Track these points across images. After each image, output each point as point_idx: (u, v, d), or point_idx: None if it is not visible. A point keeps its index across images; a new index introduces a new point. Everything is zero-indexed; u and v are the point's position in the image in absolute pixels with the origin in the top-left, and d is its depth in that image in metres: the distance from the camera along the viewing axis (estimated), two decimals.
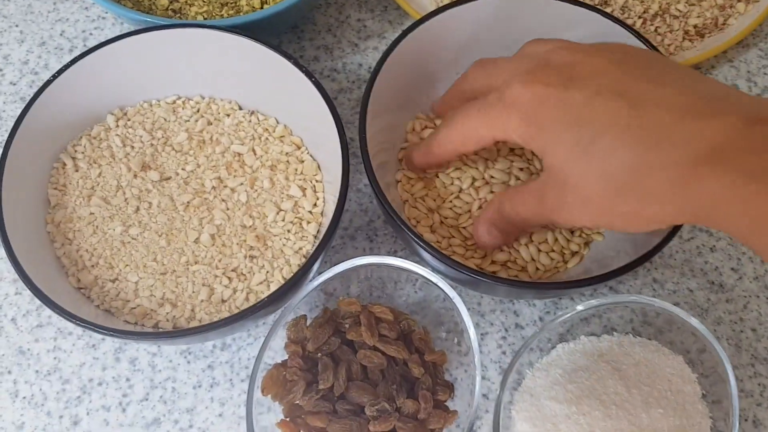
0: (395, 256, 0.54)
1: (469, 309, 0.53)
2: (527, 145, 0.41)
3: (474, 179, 0.51)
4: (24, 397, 0.50)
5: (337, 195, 0.45)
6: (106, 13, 0.65)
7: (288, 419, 0.46)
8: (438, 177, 0.52)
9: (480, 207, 0.51)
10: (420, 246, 0.45)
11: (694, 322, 0.47)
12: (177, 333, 0.42)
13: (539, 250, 0.49)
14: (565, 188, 0.39)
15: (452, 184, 0.51)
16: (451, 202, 0.51)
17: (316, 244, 0.45)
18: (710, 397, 0.48)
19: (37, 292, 0.43)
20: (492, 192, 0.51)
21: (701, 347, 0.48)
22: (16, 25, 0.64)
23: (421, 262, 0.49)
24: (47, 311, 0.52)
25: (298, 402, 0.47)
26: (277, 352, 0.49)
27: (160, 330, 0.46)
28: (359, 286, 0.52)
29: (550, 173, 0.40)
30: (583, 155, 0.37)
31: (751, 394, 0.51)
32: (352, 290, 0.52)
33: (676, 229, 0.45)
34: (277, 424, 0.46)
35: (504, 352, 0.52)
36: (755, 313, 0.54)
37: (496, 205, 0.46)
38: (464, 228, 0.51)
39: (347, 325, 0.49)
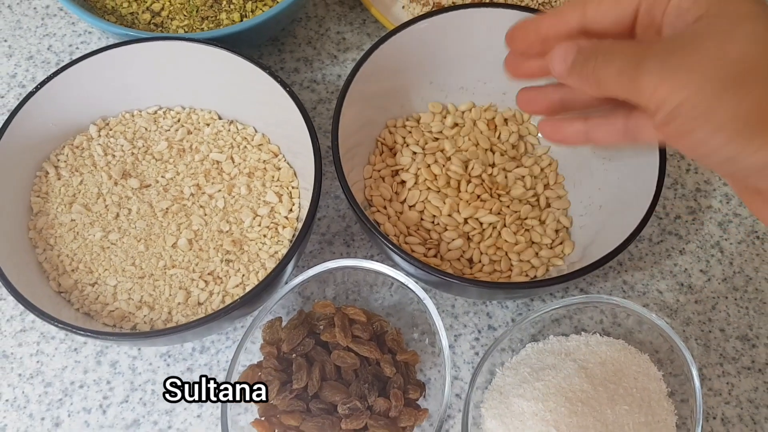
0: (371, 260, 0.56)
1: (443, 311, 0.55)
2: None
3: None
4: (6, 400, 0.51)
5: None
6: (93, 27, 0.67)
7: (263, 419, 0.48)
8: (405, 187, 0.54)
9: (449, 214, 0.52)
10: (392, 250, 0.46)
11: (655, 317, 0.48)
12: (154, 333, 0.44)
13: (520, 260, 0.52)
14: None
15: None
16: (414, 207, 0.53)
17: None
18: (679, 395, 0.49)
19: (18, 296, 0.44)
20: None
21: (670, 347, 0.49)
22: (5, 40, 0.66)
23: (395, 266, 0.50)
24: (30, 316, 0.54)
25: (272, 401, 0.48)
26: (254, 354, 0.51)
27: (138, 331, 0.47)
28: (335, 290, 0.54)
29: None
30: None
31: (720, 392, 0.52)
32: (328, 293, 0.53)
33: (638, 230, 0.46)
34: (251, 423, 0.47)
35: (477, 353, 0.54)
36: (723, 314, 0.55)
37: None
38: (426, 230, 0.52)
39: (321, 327, 0.50)
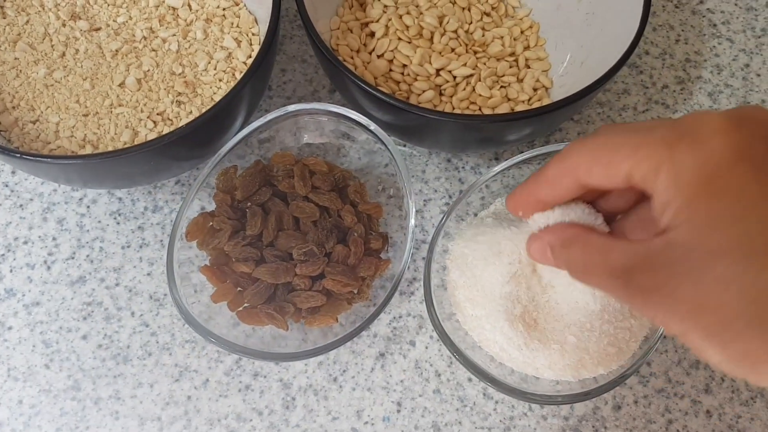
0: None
1: (413, 176, 0.52)
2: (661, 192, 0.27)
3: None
4: None
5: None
6: None
7: (215, 267, 0.44)
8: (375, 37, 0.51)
9: (420, 63, 0.49)
10: (358, 83, 0.42)
11: None
12: (95, 156, 0.39)
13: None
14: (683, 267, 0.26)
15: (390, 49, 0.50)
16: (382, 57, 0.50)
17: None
18: None
19: None
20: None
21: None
22: None
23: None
24: None
25: (225, 250, 0.45)
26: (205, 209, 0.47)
27: (74, 153, 0.44)
28: (300, 153, 0.50)
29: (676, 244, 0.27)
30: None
31: None
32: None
33: (616, 69, 0.43)
34: (200, 269, 0.44)
35: (450, 218, 0.50)
36: None
37: (559, 236, 0.33)
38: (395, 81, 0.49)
39: (280, 178, 0.47)
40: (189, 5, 0.50)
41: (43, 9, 0.49)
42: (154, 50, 0.48)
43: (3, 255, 0.48)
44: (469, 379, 0.46)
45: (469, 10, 0.53)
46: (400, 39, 0.49)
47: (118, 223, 0.50)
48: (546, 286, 0.42)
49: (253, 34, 0.49)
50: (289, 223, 0.45)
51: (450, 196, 0.51)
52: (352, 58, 0.49)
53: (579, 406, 0.45)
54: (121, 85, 0.46)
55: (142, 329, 0.47)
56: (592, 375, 0.42)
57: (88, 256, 0.49)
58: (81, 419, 0.44)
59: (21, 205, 0.50)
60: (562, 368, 0.42)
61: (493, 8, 0.53)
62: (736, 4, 0.58)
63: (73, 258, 0.48)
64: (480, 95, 0.49)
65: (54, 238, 0.49)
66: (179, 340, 0.47)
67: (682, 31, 0.57)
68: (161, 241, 0.49)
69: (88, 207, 0.50)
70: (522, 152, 0.48)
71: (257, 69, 0.42)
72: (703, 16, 0.58)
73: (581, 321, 0.42)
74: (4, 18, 0.48)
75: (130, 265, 0.48)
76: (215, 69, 0.47)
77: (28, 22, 0.48)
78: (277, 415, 0.45)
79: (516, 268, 0.42)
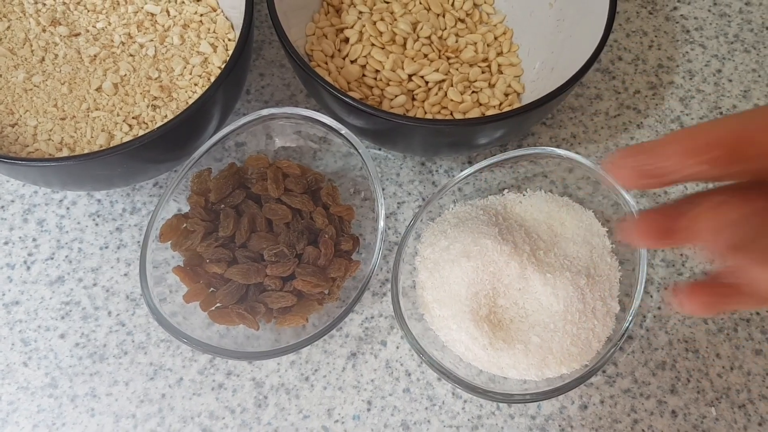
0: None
1: (387, 179, 0.52)
2: None
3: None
4: None
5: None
6: None
7: (188, 268, 0.45)
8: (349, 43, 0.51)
9: (393, 69, 0.50)
10: (331, 91, 0.43)
11: (601, 169, 0.45)
12: (70, 158, 0.41)
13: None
14: None
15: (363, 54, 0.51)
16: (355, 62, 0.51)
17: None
18: (629, 265, 0.47)
19: None
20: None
21: (621, 217, 0.47)
22: None
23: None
24: None
25: (198, 251, 0.46)
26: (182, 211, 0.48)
27: (51, 156, 0.45)
28: (276, 156, 0.51)
29: None
30: None
31: (673, 263, 0.50)
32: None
33: (582, 72, 0.44)
34: (173, 270, 0.45)
35: (421, 220, 0.51)
36: (680, 187, 0.52)
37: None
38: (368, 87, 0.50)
39: (254, 180, 0.48)
40: (167, 11, 0.51)
41: (24, 15, 0.50)
42: (131, 55, 0.49)
43: None
44: (439, 379, 0.47)
45: (443, 16, 0.53)
46: (373, 45, 0.50)
47: (96, 225, 0.51)
48: (511, 288, 0.43)
49: (229, 40, 0.50)
50: (261, 225, 0.46)
51: (423, 199, 0.52)
52: (326, 63, 0.50)
53: (546, 406, 0.46)
54: (98, 89, 0.47)
55: (119, 328, 0.48)
56: (555, 374, 0.43)
57: (67, 256, 0.50)
58: (58, 416, 0.45)
59: (2, 207, 0.51)
60: (526, 367, 0.42)
61: (467, 14, 0.54)
62: (709, 11, 0.59)
63: (52, 258, 0.49)
64: (452, 100, 0.50)
65: (34, 239, 0.50)
66: (154, 339, 0.47)
67: (656, 36, 0.58)
68: (138, 242, 0.50)
69: (68, 208, 0.51)
70: (494, 155, 0.49)
71: (229, 74, 0.43)
72: (677, 22, 0.59)
73: (545, 321, 0.43)
74: None
75: (108, 265, 0.49)
76: (191, 74, 0.48)
77: (9, 27, 0.49)
78: (249, 414, 0.45)
79: (482, 270, 0.43)
